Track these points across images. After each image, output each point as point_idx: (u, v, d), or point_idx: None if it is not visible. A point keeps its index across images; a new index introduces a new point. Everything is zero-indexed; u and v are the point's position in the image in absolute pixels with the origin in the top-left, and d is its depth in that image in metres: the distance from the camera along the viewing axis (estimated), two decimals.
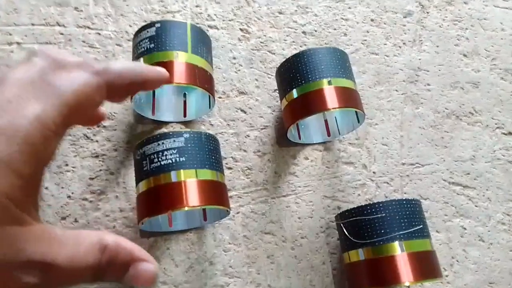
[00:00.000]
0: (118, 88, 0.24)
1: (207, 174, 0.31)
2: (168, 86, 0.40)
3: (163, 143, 0.30)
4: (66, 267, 0.19)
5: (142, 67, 0.26)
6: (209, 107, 0.40)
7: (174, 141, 0.31)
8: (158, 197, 0.29)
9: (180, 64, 0.35)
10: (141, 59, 0.36)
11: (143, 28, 0.37)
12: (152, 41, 0.36)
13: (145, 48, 0.36)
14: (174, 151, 0.30)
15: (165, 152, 0.30)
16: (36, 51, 0.23)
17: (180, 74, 0.34)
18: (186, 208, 0.29)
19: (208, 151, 0.32)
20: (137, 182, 0.31)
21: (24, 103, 0.19)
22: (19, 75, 0.21)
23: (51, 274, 0.18)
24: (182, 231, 0.38)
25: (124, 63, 0.26)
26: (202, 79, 0.36)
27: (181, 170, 0.30)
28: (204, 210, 0.37)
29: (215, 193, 0.31)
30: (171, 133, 0.31)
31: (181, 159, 0.30)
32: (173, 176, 0.30)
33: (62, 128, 0.21)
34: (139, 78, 0.25)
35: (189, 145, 0.31)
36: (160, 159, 0.30)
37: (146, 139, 0.31)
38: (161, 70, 0.26)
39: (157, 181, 0.30)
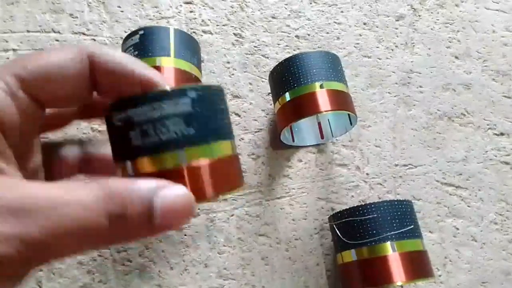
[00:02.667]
0: None
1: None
2: None
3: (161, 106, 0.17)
4: None
5: None
6: None
7: (177, 104, 0.17)
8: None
9: (163, 69, 0.35)
10: None
11: (128, 37, 0.37)
12: (136, 49, 0.36)
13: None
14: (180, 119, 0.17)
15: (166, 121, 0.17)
16: None
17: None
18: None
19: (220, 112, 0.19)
20: (119, 159, 0.18)
21: None
22: None
23: None
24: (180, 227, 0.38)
25: None
26: (186, 82, 0.36)
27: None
28: None
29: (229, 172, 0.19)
30: (170, 90, 0.17)
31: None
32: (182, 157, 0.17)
33: None
34: None
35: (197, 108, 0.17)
36: (158, 132, 0.17)
37: (131, 98, 0.17)
38: None
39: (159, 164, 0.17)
